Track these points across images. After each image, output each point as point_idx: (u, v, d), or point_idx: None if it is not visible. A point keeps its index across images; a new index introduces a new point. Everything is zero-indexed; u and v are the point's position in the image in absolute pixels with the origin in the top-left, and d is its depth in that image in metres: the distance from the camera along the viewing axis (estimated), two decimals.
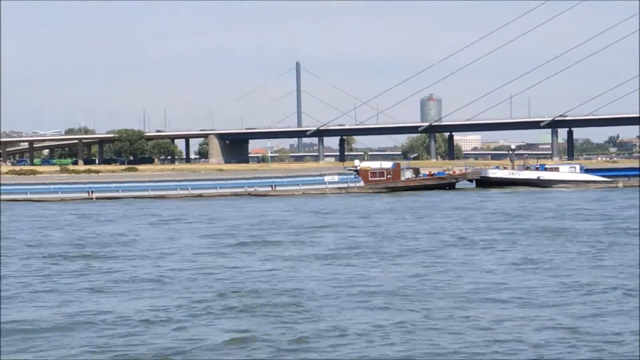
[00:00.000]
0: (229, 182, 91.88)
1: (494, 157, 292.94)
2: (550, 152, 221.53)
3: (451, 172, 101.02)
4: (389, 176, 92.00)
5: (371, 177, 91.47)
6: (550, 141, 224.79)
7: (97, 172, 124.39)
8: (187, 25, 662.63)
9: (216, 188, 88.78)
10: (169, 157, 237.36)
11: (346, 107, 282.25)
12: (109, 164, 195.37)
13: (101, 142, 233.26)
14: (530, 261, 31.44)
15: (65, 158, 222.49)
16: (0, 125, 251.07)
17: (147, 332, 19.98)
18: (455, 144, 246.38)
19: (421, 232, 44.06)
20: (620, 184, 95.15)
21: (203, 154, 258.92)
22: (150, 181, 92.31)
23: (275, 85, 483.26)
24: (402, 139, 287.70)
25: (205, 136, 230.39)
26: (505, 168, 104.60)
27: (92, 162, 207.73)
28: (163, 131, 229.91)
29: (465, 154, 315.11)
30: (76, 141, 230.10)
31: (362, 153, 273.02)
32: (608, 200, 69.91)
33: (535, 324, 20.27)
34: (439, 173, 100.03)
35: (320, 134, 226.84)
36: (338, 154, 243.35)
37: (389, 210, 62.44)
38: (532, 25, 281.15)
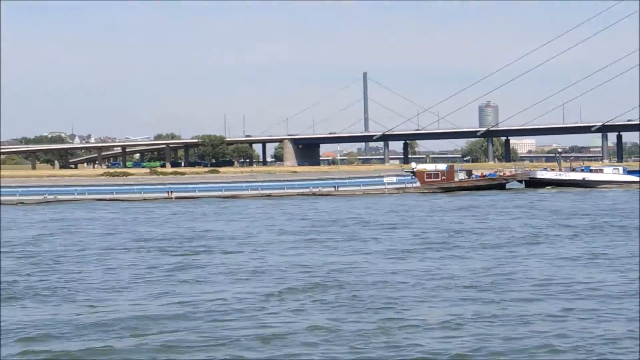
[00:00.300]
0: (296, 182, 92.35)
1: (548, 159, 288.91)
2: (601, 155, 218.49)
3: (502, 174, 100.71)
4: (443, 177, 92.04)
5: (427, 178, 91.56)
6: (600, 145, 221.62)
7: (182, 174, 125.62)
8: (264, 37, 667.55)
9: (284, 189, 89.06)
10: (248, 160, 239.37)
11: (410, 114, 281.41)
12: (194, 166, 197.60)
13: (186, 146, 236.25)
14: (598, 255, 31.16)
15: (154, 161, 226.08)
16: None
17: (240, 318, 20.24)
18: (511, 147, 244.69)
19: (489, 228, 43.76)
20: None
21: (278, 157, 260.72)
22: (224, 182, 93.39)
23: (344, 93, 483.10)
24: (461, 143, 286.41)
25: (280, 141, 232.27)
26: (552, 170, 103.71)
27: (178, 165, 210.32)
28: (251, 136, 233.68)
29: (520, 156, 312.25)
30: (164, 146, 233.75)
31: (424, 156, 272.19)
32: None
33: (602, 315, 20.09)
34: (490, 174, 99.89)
35: (385, 138, 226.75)
36: (402, 157, 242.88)
37: (455, 208, 62.08)
38: (585, 36, 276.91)
